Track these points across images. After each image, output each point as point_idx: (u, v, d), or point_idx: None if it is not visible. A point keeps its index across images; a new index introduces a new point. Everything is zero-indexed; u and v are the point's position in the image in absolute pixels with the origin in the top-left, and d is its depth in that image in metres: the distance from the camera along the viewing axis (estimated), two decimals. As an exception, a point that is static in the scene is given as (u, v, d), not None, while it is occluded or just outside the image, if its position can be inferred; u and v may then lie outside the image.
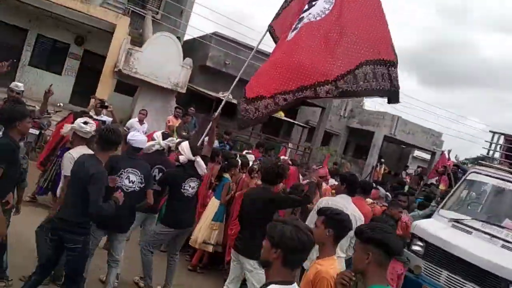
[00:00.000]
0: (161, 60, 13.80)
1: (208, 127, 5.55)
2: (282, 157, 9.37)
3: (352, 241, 4.56)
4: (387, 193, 9.28)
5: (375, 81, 4.53)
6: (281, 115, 16.65)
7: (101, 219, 4.02)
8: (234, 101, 16.05)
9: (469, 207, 6.55)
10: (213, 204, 6.32)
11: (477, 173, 6.40)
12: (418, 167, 20.18)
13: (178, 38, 15.48)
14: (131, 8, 15.32)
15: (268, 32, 5.80)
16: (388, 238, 2.24)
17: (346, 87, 4.56)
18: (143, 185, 4.32)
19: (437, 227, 5.91)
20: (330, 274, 2.68)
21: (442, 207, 6.40)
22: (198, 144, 5.77)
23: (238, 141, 15.86)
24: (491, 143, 6.58)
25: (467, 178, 6.54)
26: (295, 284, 2.10)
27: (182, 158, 4.72)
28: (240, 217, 4.45)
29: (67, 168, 4.22)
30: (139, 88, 14.83)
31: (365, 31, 4.60)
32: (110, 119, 8.82)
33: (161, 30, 14.81)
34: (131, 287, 5.13)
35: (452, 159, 10.54)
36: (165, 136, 5.22)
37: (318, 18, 4.82)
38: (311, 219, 4.57)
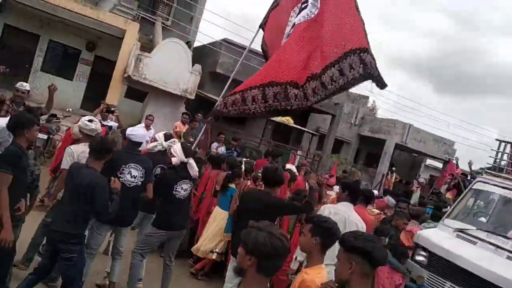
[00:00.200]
0: (170, 66, 13.87)
1: (202, 130, 5.54)
2: (288, 165, 9.27)
3: None
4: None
5: (342, 78, 4.53)
6: (290, 122, 16.58)
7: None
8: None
9: (474, 217, 6.39)
10: (219, 215, 6.24)
11: (484, 182, 6.24)
12: (430, 176, 19.88)
13: (189, 43, 15.56)
14: (141, 14, 15.45)
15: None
16: (372, 247, 2.16)
17: (316, 99, 4.64)
18: (144, 179, 4.43)
19: (441, 237, 5.77)
20: (315, 283, 2.60)
21: (447, 217, 6.25)
22: (193, 147, 5.73)
23: (247, 148, 15.82)
24: (497, 152, 6.43)
25: (473, 187, 6.39)
26: None
27: (174, 160, 4.71)
28: (238, 218, 4.38)
29: (65, 162, 4.39)
30: (148, 94, 14.92)
31: (337, 27, 4.62)
32: (116, 124, 8.87)
33: (171, 37, 14.91)
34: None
35: (465, 167, 10.31)
36: (167, 137, 5.24)
37: (302, 20, 4.84)
38: None
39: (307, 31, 4.81)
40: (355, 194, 4.71)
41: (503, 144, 6.42)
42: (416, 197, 14.05)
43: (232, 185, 6.44)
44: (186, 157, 4.64)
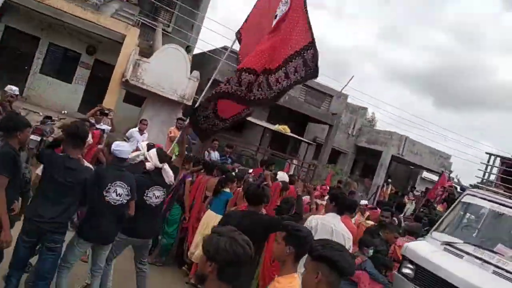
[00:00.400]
0: (168, 72, 13.91)
1: (178, 136, 5.51)
2: (280, 173, 9.25)
3: None
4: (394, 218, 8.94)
5: (286, 80, 4.55)
6: (286, 131, 16.60)
7: (89, 233, 4.17)
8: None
9: (462, 230, 6.36)
10: (213, 219, 6.13)
11: (472, 195, 6.24)
12: (426, 188, 19.85)
13: (188, 48, 15.61)
14: (141, 20, 15.53)
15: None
16: (339, 256, 2.13)
17: (260, 95, 4.64)
18: (129, 197, 4.30)
19: (428, 250, 5.75)
20: None
21: (435, 229, 6.24)
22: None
23: (244, 156, 15.83)
24: (487, 166, 6.42)
25: (462, 200, 6.38)
26: None
27: (148, 165, 4.63)
28: None
29: None
30: (146, 99, 14.95)
31: (293, 26, 4.61)
32: (110, 127, 8.91)
33: (171, 43, 14.97)
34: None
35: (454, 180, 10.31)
36: (149, 148, 5.21)
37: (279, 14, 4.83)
38: None
39: (277, 27, 4.78)
40: (342, 205, 4.70)
41: (492, 157, 6.41)
42: (410, 210, 14.02)
43: (227, 189, 6.44)
44: (161, 162, 4.57)
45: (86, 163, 4.42)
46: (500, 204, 5.87)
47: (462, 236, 6.04)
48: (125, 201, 4.26)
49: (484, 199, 6.07)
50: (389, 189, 17.62)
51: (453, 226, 6.31)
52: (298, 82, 4.68)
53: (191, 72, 14.68)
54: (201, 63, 17.37)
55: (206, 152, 10.77)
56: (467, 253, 5.50)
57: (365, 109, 24.21)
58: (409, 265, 5.72)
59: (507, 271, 4.98)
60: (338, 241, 4.33)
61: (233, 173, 7.36)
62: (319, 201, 8.06)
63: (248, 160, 15.22)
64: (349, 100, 21.39)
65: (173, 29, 17.47)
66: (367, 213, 8.21)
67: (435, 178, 24.30)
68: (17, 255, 3.85)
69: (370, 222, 7.31)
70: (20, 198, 4.22)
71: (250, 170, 9.43)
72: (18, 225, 4.03)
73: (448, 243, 5.76)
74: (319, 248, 2.19)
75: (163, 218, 6.58)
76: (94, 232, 4.18)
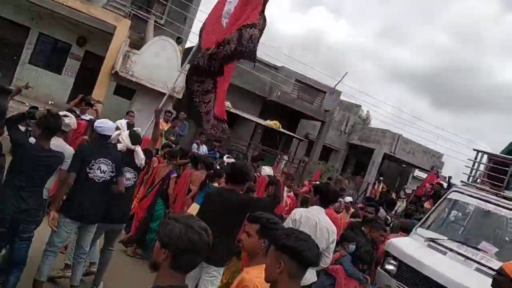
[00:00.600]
0: (158, 64, 13.74)
1: (151, 120, 5.41)
2: (264, 168, 9.17)
3: (325, 253, 4.36)
4: (388, 216, 8.80)
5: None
6: (277, 126, 16.49)
7: (74, 212, 4.09)
8: (232, 110, 16.00)
9: (448, 227, 6.27)
10: (196, 212, 6.12)
11: (459, 192, 6.15)
12: (417, 187, 19.81)
13: (179, 40, 15.43)
14: (133, 12, 15.35)
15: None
16: (303, 246, 2.02)
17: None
18: (114, 173, 4.29)
19: (411, 246, 5.65)
20: (254, 283, 2.46)
21: (420, 226, 6.15)
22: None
23: (234, 151, 15.70)
24: (474, 162, 6.33)
25: (448, 197, 6.29)
26: None
27: (120, 146, 4.58)
28: (204, 221, 4.20)
29: None
30: (136, 92, 14.78)
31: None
32: (94, 118, 8.74)
33: (162, 35, 14.80)
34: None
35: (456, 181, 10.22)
36: (129, 126, 5.13)
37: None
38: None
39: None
40: (326, 198, 4.60)
41: (480, 154, 6.32)
42: (402, 208, 13.96)
43: (215, 184, 6.33)
44: (133, 144, 4.51)
45: (68, 147, 4.34)
46: (486, 201, 5.77)
47: (447, 233, 5.95)
48: (109, 177, 4.24)
49: (470, 196, 5.97)
50: (381, 187, 17.56)
51: (438, 222, 6.22)
52: (227, 57, 4.83)
53: (182, 65, 14.50)
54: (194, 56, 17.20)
55: (194, 144, 10.66)
56: (451, 250, 5.41)
57: (358, 106, 24.14)
58: (392, 261, 5.63)
59: (490, 268, 4.88)
60: (322, 235, 4.30)
61: (218, 167, 7.26)
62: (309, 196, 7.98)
63: (238, 156, 15.08)
64: (344, 98, 21.35)
65: (165, 21, 17.28)
66: (352, 210, 8.13)
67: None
68: None
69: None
70: None
71: None
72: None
73: (432, 240, 5.67)
74: (282, 237, 2.07)
75: (149, 215, 6.49)
76: (79, 210, 4.12)
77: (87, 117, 8.39)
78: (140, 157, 4.55)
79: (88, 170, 4.12)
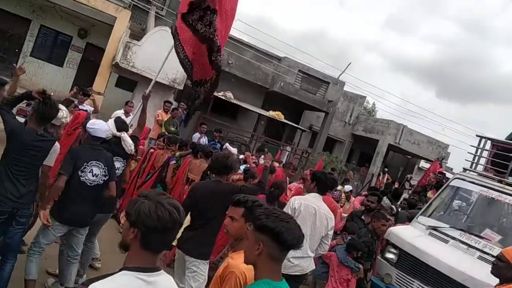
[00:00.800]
0: (159, 55, 13.53)
1: (138, 106, 5.29)
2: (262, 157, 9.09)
3: (324, 240, 4.34)
4: (392, 205, 8.65)
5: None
6: (280, 117, 16.35)
7: (64, 215, 3.96)
8: (234, 101, 15.88)
9: (450, 215, 6.13)
10: None
11: (461, 179, 6.00)
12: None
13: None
14: (133, 2, 15.22)
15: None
16: (283, 227, 1.90)
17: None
18: (106, 177, 4.10)
19: (412, 235, 5.52)
20: (240, 269, 2.35)
21: (421, 214, 6.01)
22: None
23: (236, 142, 15.59)
24: (477, 149, 6.16)
25: (451, 184, 6.14)
26: (161, 272, 1.78)
27: (107, 134, 4.37)
28: (188, 212, 4.10)
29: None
30: (137, 83, 14.70)
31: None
32: (92, 108, 8.69)
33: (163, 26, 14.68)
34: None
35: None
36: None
37: None
38: None
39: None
40: (323, 185, 4.53)
41: (483, 140, 6.15)
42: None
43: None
44: (119, 131, 4.37)
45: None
46: (490, 188, 5.62)
47: (449, 221, 5.82)
48: (101, 181, 4.06)
49: (473, 183, 5.82)
50: (386, 178, 17.41)
51: (440, 210, 6.08)
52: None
53: (183, 56, 14.34)
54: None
55: (195, 135, 10.57)
56: (453, 238, 5.28)
57: (363, 97, 23.89)
58: (392, 250, 5.51)
59: (493, 257, 4.73)
60: (321, 222, 4.28)
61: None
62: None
63: (240, 147, 14.99)
64: (349, 89, 21.14)
65: (166, 12, 17.14)
66: (353, 199, 8.01)
67: (432, 167, 24.08)
68: None
69: None
70: None
71: (241, 156, 9.25)
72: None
73: (433, 228, 5.54)
74: (262, 218, 1.95)
75: None
76: (70, 214, 3.97)
77: (85, 107, 8.35)
78: (128, 143, 4.42)
79: (80, 173, 3.95)
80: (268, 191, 6.17)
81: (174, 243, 5.54)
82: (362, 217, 5.76)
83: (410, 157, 23.77)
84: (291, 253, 4.15)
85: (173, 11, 16.73)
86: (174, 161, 6.96)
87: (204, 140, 10.28)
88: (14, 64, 6.09)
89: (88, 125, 4.16)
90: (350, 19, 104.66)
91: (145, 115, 4.89)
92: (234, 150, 8.87)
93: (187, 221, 5.79)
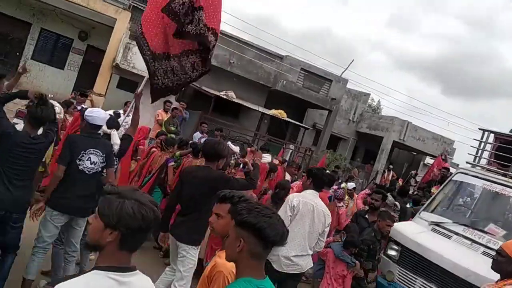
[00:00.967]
0: (159, 56, 13.56)
1: (130, 105, 5.21)
2: (264, 155, 8.98)
3: (321, 238, 4.30)
4: (396, 202, 8.51)
5: (183, 74, 4.81)
6: (282, 115, 16.25)
7: (63, 204, 3.92)
8: (235, 100, 15.79)
9: (453, 210, 5.99)
10: None
11: (464, 173, 5.87)
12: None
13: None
14: (133, 4, 15.19)
15: None
16: (265, 223, 1.79)
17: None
18: (104, 164, 4.10)
19: (415, 231, 5.39)
20: (228, 268, 2.25)
21: (424, 209, 5.88)
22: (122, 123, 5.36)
23: (238, 141, 15.50)
24: (480, 142, 6.02)
25: (454, 178, 6.00)
26: (137, 272, 1.69)
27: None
28: (179, 198, 4.06)
29: None
30: (138, 84, 14.65)
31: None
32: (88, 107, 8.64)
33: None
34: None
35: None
36: (116, 116, 4.95)
37: None
38: (282, 216, 4.20)
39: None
40: (319, 181, 4.50)
41: (486, 133, 6.00)
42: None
43: None
44: (109, 128, 4.31)
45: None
46: (493, 182, 5.49)
47: (452, 216, 5.68)
48: (99, 168, 4.06)
49: (477, 177, 5.69)
50: (391, 175, 17.25)
51: (443, 205, 5.94)
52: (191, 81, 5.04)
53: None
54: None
55: (195, 134, 10.49)
56: (456, 234, 5.15)
57: (367, 95, 23.73)
58: (394, 246, 5.39)
59: (497, 252, 4.62)
60: (319, 219, 4.25)
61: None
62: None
63: (243, 145, 14.89)
64: (353, 87, 20.99)
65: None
66: (356, 196, 7.89)
67: (438, 164, 23.85)
68: None
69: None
70: None
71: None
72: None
73: (436, 223, 5.41)
74: (243, 213, 1.84)
75: None
76: (69, 202, 3.93)
77: (83, 107, 8.29)
78: (114, 141, 4.35)
79: (78, 162, 3.93)
80: (273, 192, 6.08)
81: None
82: (366, 216, 5.61)
83: (415, 153, 23.58)
84: (291, 252, 4.12)
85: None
86: (172, 162, 6.87)
87: (204, 139, 10.18)
88: (22, 64, 6.09)
89: (86, 113, 4.14)
90: (354, 17, 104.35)
91: (138, 113, 4.82)
92: (236, 149, 8.78)
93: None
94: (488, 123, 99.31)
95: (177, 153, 7.22)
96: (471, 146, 6.10)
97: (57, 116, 4.72)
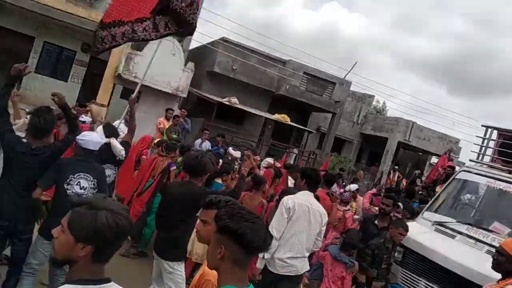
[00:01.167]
0: (161, 64, 13.58)
1: (125, 110, 5.19)
2: (267, 160, 8.95)
3: (318, 237, 4.29)
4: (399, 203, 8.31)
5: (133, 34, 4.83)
6: (286, 120, 16.22)
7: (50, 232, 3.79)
8: (238, 106, 15.79)
9: (457, 209, 5.91)
10: None
11: (468, 171, 5.79)
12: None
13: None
14: (134, 14, 15.27)
15: None
16: (246, 228, 1.71)
17: (144, 36, 4.81)
18: (96, 190, 3.89)
19: (417, 231, 5.31)
20: (216, 276, 2.21)
21: (427, 209, 5.81)
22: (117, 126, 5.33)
23: (242, 147, 15.47)
24: (483, 139, 5.93)
25: (457, 177, 5.92)
26: (112, 284, 1.62)
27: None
28: (160, 214, 3.98)
29: None
30: (141, 93, 14.72)
31: None
32: (90, 119, 8.66)
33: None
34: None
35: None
36: (111, 128, 4.92)
37: None
38: (278, 219, 4.18)
39: None
40: (312, 181, 4.46)
41: (489, 130, 5.92)
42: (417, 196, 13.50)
43: (219, 180, 6.13)
44: (107, 137, 4.28)
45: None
46: (497, 179, 5.40)
47: (456, 215, 5.60)
48: (90, 194, 3.83)
49: (480, 174, 5.61)
50: (396, 176, 17.12)
51: (446, 204, 5.86)
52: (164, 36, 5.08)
53: (185, 64, 14.37)
54: (202, 55, 17.09)
55: (197, 141, 10.50)
56: (460, 233, 5.07)
57: (372, 96, 23.63)
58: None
59: (502, 250, 4.53)
60: (315, 219, 4.21)
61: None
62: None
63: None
64: (358, 89, 20.93)
65: (168, 22, 17.19)
66: (360, 198, 7.83)
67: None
68: None
69: (375, 208, 6.91)
70: None
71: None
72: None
73: (440, 223, 5.33)
74: (224, 218, 1.76)
75: (147, 208, 6.30)
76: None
77: (83, 118, 8.32)
78: (117, 149, 4.32)
79: (65, 186, 3.74)
80: (278, 198, 6.04)
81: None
82: (376, 221, 5.46)
83: (421, 153, 23.41)
84: (286, 254, 4.09)
85: (174, 20, 16.76)
86: (174, 167, 6.86)
87: (206, 146, 10.18)
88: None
89: (78, 137, 3.99)
90: (358, 20, 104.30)
91: (134, 119, 4.80)
92: (237, 155, 8.75)
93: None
94: (497, 122, 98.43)
95: (179, 159, 7.20)
96: (474, 144, 6.02)
97: None
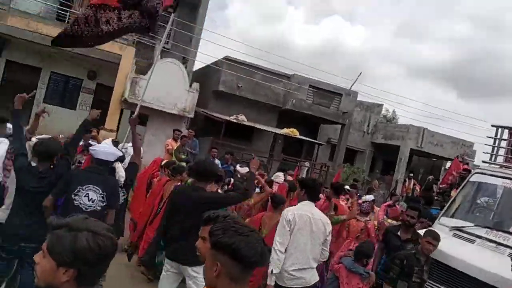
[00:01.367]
0: (166, 87, 13.71)
1: (128, 131, 5.13)
2: (278, 174, 8.84)
3: (323, 247, 4.23)
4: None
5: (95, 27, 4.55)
6: (295, 134, 16.13)
7: None
8: (246, 123, 15.76)
9: (474, 213, 5.73)
10: None
11: (481, 173, 5.62)
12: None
13: (184, 59, 15.46)
14: (138, 39, 15.46)
15: None
16: (241, 243, 1.62)
17: (107, 29, 4.55)
18: (105, 203, 3.87)
19: (435, 238, 5.14)
20: None
21: (443, 214, 5.63)
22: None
23: (253, 164, 15.40)
24: (495, 139, 5.78)
25: (471, 179, 5.75)
26: None
27: None
28: (169, 220, 3.97)
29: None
30: (149, 117, 14.81)
31: None
32: (96, 142, 8.67)
33: (167, 57, 14.82)
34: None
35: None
36: (115, 144, 4.91)
37: None
38: (280, 232, 4.11)
39: None
40: (313, 192, 4.39)
41: (500, 130, 5.77)
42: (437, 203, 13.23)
43: None
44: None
45: None
46: (512, 179, 5.24)
47: (473, 219, 5.42)
48: (99, 207, 3.83)
49: (495, 175, 5.45)
50: (412, 184, 16.85)
51: (463, 209, 5.68)
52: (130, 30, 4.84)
53: (190, 85, 14.44)
54: (207, 76, 17.18)
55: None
56: (479, 237, 4.89)
57: (380, 105, 23.48)
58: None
59: (526, 253, 4.35)
60: (318, 229, 4.16)
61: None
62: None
63: (258, 168, 14.77)
64: (366, 99, 20.80)
65: (172, 45, 17.35)
66: (377, 209, 7.66)
67: (459, 167, 23.23)
68: None
69: (393, 222, 6.59)
70: None
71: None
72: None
73: (457, 228, 5.15)
74: (218, 233, 1.67)
75: (159, 233, 6.23)
76: None
77: (90, 142, 8.34)
78: (119, 174, 4.28)
79: (73, 197, 3.76)
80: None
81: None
82: (398, 233, 5.19)
83: (435, 159, 23.08)
84: (291, 266, 4.00)
85: (178, 44, 16.92)
86: None
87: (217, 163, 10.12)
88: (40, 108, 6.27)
89: (91, 148, 4.13)
90: (361, 33, 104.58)
91: (137, 139, 4.76)
92: (244, 171, 8.67)
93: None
94: (509, 124, 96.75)
95: (189, 180, 7.14)
96: (485, 145, 5.87)
97: None
